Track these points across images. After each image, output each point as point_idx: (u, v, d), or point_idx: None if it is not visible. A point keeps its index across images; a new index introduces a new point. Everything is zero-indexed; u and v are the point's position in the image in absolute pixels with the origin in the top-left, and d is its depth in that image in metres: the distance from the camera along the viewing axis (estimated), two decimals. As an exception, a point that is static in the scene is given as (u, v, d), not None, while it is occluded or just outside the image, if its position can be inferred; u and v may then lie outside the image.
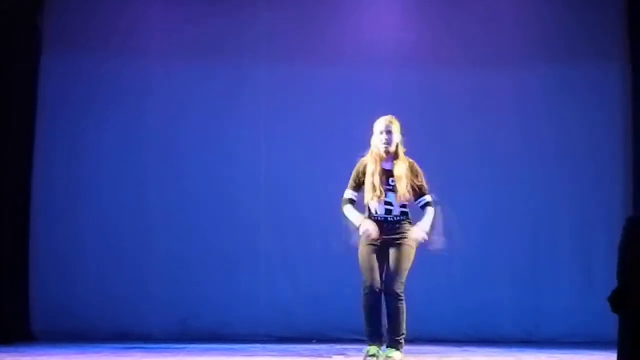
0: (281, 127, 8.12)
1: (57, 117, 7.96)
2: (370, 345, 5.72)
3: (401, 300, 5.69)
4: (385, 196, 5.71)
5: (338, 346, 7.21)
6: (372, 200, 5.70)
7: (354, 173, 5.84)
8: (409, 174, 5.75)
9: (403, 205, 5.76)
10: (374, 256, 5.73)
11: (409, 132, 5.91)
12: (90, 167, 8.00)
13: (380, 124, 5.78)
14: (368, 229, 5.69)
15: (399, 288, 5.68)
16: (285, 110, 8.13)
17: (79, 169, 7.99)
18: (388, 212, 5.73)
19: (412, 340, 6.88)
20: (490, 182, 8.07)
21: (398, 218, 5.74)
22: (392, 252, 5.72)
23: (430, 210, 5.79)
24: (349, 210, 5.80)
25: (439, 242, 5.80)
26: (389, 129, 5.74)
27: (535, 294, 7.97)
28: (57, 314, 7.74)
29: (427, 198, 5.81)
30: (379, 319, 5.73)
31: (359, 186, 5.81)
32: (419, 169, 5.83)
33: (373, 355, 5.68)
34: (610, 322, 4.04)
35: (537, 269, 8.03)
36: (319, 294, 7.88)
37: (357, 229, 5.74)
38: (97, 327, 7.75)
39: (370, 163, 5.76)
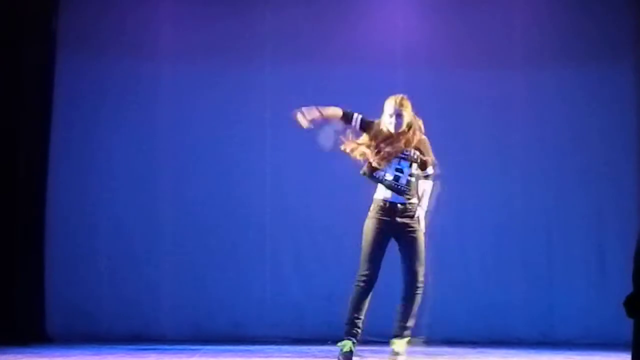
0: (290, 127, 8.08)
1: (71, 118, 7.96)
2: (346, 340, 5.52)
3: (421, 289, 5.53)
4: (399, 164, 5.55)
5: (352, 347, 7.19)
6: (382, 162, 5.52)
7: (372, 122, 5.63)
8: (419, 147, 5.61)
9: (410, 174, 5.58)
10: (382, 244, 5.53)
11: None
12: (103, 169, 8.01)
13: (389, 107, 5.57)
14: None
15: (422, 277, 5.51)
16: (294, 110, 8.10)
17: (93, 171, 8.00)
18: (397, 178, 5.54)
19: (426, 342, 6.88)
20: (505, 182, 8.04)
21: (405, 188, 5.53)
22: (406, 241, 5.52)
23: (428, 186, 5.64)
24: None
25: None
26: (398, 112, 5.55)
27: (550, 295, 7.94)
28: (72, 315, 7.77)
29: (429, 171, 5.66)
30: (364, 313, 5.56)
31: (365, 128, 5.61)
32: (427, 144, 5.69)
33: (350, 352, 5.49)
34: (626, 324, 4.02)
35: (551, 270, 7.99)
36: (332, 295, 7.86)
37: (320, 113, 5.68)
38: (111, 328, 7.79)
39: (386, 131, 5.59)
